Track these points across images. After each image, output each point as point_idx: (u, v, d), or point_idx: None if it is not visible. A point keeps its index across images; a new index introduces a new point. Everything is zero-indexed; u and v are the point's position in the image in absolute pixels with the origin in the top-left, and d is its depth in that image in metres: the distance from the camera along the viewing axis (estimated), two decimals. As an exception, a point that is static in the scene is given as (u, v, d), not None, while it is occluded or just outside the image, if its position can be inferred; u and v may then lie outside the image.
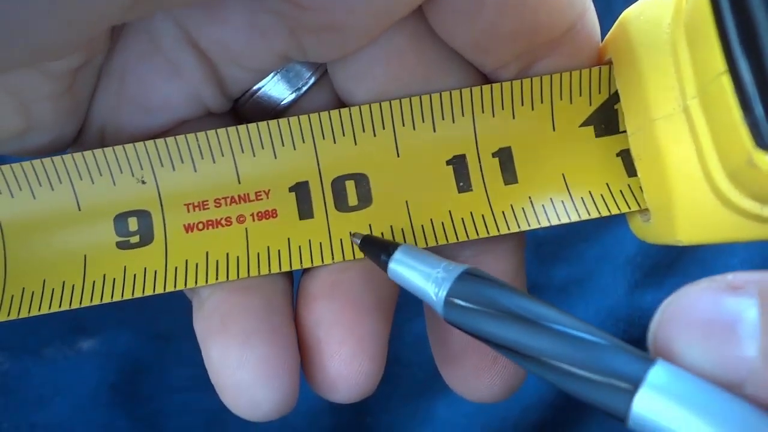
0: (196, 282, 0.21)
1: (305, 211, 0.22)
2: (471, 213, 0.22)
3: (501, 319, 0.17)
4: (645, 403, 0.15)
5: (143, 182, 0.22)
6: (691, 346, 0.15)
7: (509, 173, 0.22)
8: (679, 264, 0.37)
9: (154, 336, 0.36)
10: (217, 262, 0.22)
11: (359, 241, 0.21)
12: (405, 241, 0.22)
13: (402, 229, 0.22)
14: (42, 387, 0.35)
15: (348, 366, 0.20)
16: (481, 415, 0.36)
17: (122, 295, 0.21)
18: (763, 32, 0.16)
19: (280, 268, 0.22)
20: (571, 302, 0.36)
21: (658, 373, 0.15)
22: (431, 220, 0.22)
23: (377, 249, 0.21)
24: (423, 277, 0.19)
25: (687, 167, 0.19)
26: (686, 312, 0.15)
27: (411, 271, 0.20)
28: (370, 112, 0.22)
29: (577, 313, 0.36)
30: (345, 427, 0.37)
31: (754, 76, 0.16)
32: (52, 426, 0.35)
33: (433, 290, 0.19)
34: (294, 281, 0.23)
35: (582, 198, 0.22)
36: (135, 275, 0.22)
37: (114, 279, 0.22)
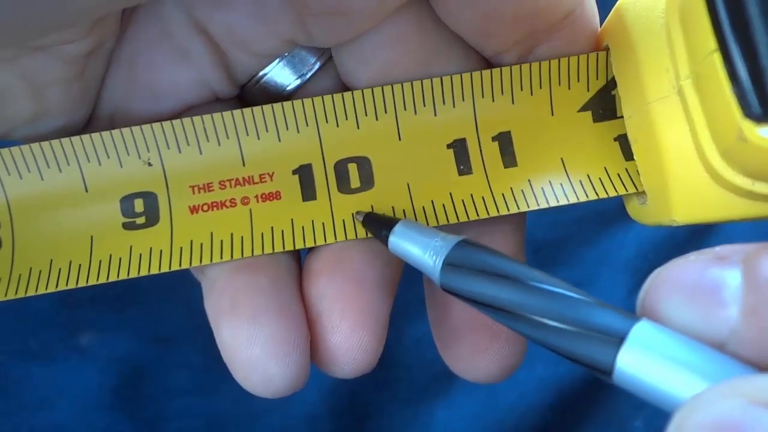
0: (201, 261, 0.22)
1: (308, 193, 0.22)
2: (471, 195, 0.22)
3: (494, 282, 0.18)
4: (630, 357, 0.15)
5: (149, 164, 0.22)
6: (676, 309, 0.16)
7: (509, 157, 0.23)
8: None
9: (155, 339, 0.36)
10: (222, 242, 0.22)
11: (362, 218, 0.22)
12: None
13: (403, 210, 0.22)
14: (43, 389, 0.35)
15: (348, 339, 0.21)
16: (480, 418, 0.36)
17: (128, 274, 0.22)
18: (750, 9, 0.17)
19: (283, 248, 0.22)
20: (570, 305, 0.37)
21: (642, 329, 0.15)
22: (432, 201, 0.22)
23: (379, 225, 0.22)
24: (421, 248, 0.20)
25: (681, 147, 0.20)
26: (674, 279, 0.16)
27: (410, 243, 0.21)
28: (373, 96, 0.22)
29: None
30: (345, 431, 0.37)
31: (741, 51, 0.17)
32: (53, 429, 0.35)
33: (432, 258, 0.20)
34: (301, 261, 0.23)
35: (580, 181, 0.22)
36: (141, 255, 0.22)
37: (120, 258, 0.22)
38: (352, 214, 0.22)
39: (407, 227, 0.21)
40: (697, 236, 0.37)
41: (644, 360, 0.15)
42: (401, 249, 0.21)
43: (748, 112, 0.17)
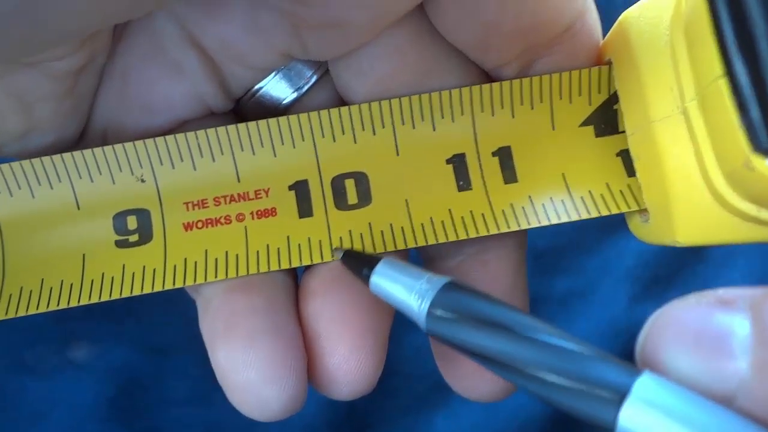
0: (195, 280, 0.21)
1: (305, 209, 0.22)
2: (471, 211, 0.22)
3: (485, 330, 0.17)
4: (632, 414, 0.14)
5: (143, 181, 0.22)
6: (679, 358, 0.15)
7: (509, 172, 0.22)
8: (679, 277, 0.37)
9: (152, 349, 0.35)
10: (216, 260, 0.22)
11: (341, 256, 0.21)
12: (405, 240, 0.22)
13: (402, 227, 0.22)
14: (39, 402, 0.35)
15: (347, 361, 0.20)
16: (480, 428, 0.36)
17: (121, 293, 0.21)
18: (759, 35, 0.16)
19: (279, 266, 0.22)
20: (571, 314, 0.36)
21: (645, 383, 0.14)
22: (431, 218, 0.22)
23: (359, 263, 0.21)
24: (406, 290, 0.19)
25: (685, 169, 0.19)
26: (675, 324, 0.15)
27: (393, 284, 0.19)
28: (370, 110, 0.22)
29: (577, 326, 0.36)
30: (344, 440, 0.37)
31: (750, 80, 0.16)
32: (49, 440, 0.35)
33: (416, 302, 0.18)
34: (298, 278, 0.23)
35: (582, 197, 0.22)
36: (134, 273, 0.22)
37: (113, 277, 0.21)
38: (332, 249, 0.22)
39: (389, 267, 0.20)
40: (699, 247, 0.37)
41: (648, 419, 0.14)
42: (383, 291, 0.20)
43: (756, 146, 0.16)
